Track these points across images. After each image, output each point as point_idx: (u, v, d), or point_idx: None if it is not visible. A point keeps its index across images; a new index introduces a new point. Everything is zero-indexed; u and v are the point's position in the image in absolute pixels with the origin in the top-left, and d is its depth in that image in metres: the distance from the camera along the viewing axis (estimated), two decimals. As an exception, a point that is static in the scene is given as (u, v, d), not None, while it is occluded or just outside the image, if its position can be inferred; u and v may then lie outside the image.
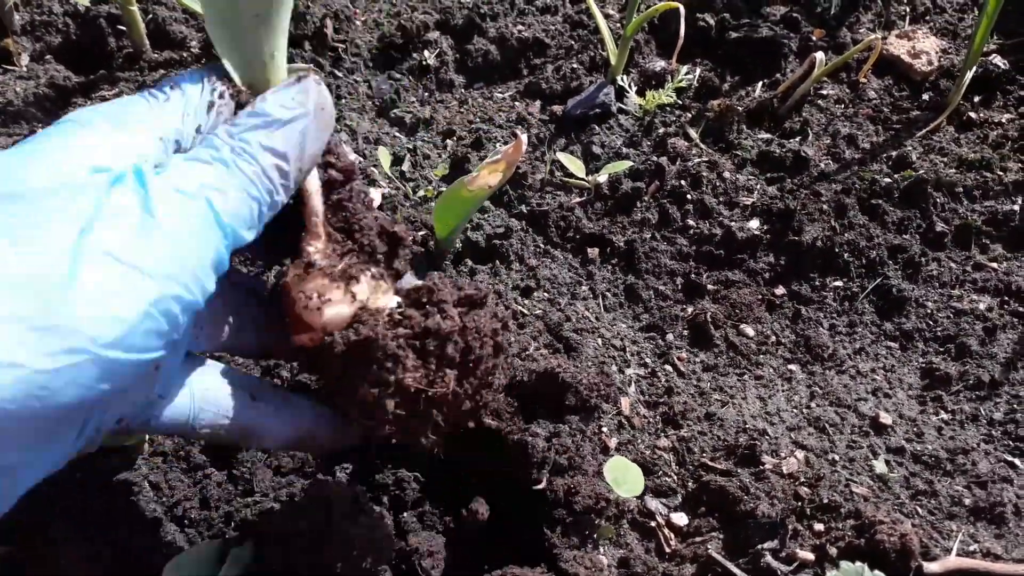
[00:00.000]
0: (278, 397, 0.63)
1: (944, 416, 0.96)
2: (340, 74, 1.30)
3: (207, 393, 0.58)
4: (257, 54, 0.54)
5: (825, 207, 1.11)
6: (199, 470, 0.87)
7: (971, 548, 0.83)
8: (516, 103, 1.32)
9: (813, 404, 0.97)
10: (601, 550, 0.84)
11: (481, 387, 0.63)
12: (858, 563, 0.75)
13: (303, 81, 0.53)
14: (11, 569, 0.74)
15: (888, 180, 1.14)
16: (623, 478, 0.83)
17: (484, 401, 0.65)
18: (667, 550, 0.84)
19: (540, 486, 0.83)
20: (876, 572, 0.75)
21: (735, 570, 0.81)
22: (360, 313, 0.58)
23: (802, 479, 0.88)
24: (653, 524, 0.85)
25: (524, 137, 1.16)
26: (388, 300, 0.61)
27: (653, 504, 0.86)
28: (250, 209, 0.49)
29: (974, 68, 1.26)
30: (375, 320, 0.58)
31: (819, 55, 1.26)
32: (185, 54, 1.31)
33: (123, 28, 1.30)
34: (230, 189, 0.48)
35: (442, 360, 0.59)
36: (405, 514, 0.87)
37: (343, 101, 1.27)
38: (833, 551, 0.81)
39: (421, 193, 1.16)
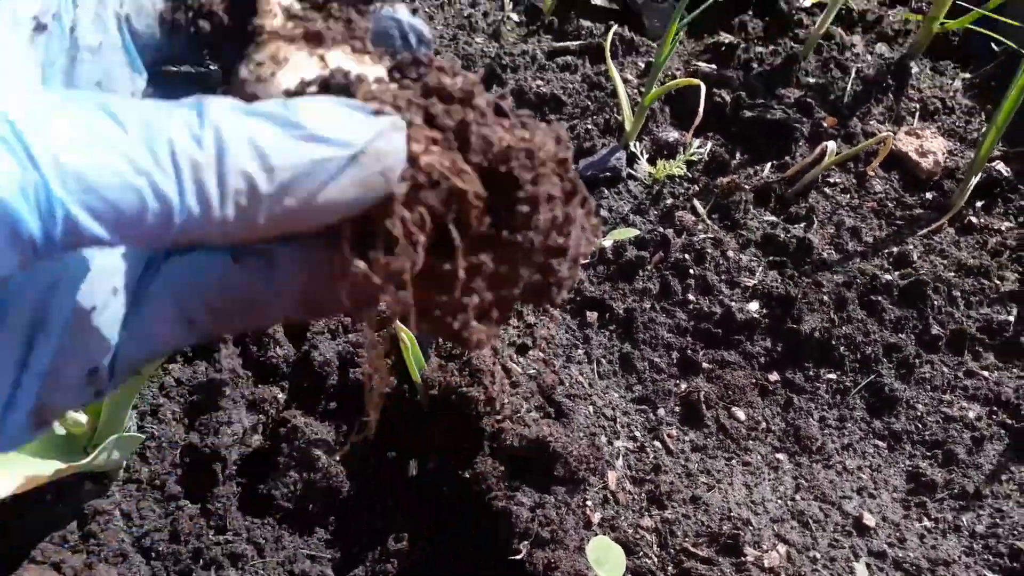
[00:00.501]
0: (263, 252, 0.42)
1: (927, 523, 0.96)
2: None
3: (176, 276, 0.41)
4: None
5: (825, 298, 1.11)
6: (172, 501, 0.85)
7: (946, 664, 0.82)
8: (527, 156, 1.32)
9: (798, 497, 0.97)
10: (575, 628, 0.82)
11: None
12: (836, 673, 0.74)
13: (385, 117, 0.33)
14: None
15: (888, 277, 1.15)
16: (605, 558, 0.81)
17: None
18: (641, 635, 0.83)
19: (519, 557, 0.82)
20: None
21: (709, 664, 0.80)
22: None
23: (783, 575, 0.87)
24: (629, 606, 0.84)
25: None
26: (376, 70, 0.39)
27: (631, 585, 0.85)
28: (124, 186, 0.28)
29: (979, 174, 1.28)
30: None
31: (831, 144, 1.28)
32: None
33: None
34: (104, 142, 0.29)
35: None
36: (374, 552, 0.85)
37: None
38: (809, 654, 0.80)
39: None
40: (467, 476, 0.87)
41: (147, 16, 0.37)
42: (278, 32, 0.38)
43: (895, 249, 1.21)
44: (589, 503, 0.90)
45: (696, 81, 1.20)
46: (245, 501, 0.87)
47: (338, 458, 0.89)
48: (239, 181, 0.29)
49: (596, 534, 0.86)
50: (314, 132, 0.30)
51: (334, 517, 0.88)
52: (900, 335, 1.11)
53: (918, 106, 1.49)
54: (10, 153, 0.27)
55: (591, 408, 1.00)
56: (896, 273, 1.17)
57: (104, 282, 0.38)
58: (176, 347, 0.40)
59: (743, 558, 0.87)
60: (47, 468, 0.66)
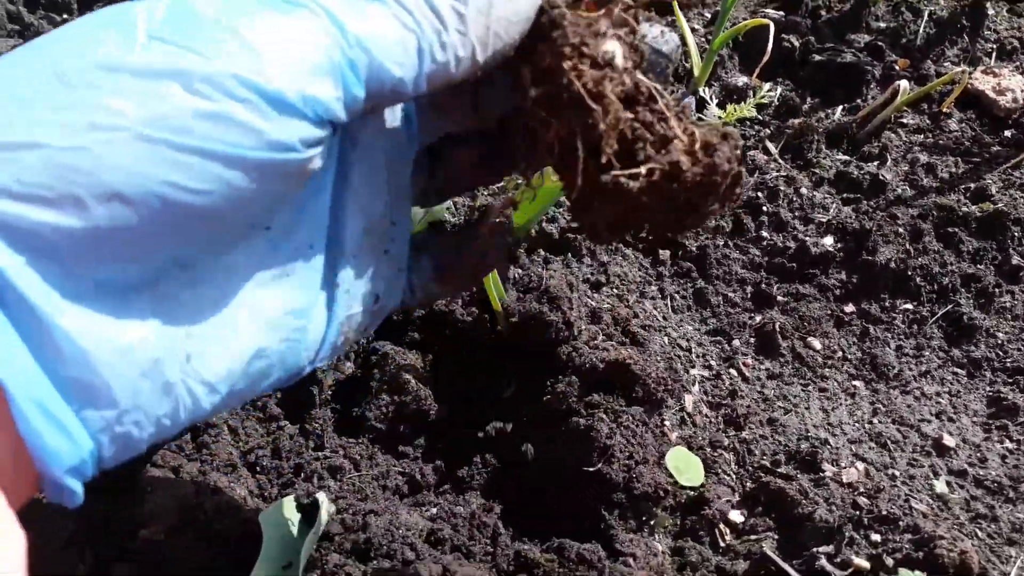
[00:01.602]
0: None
1: (1009, 445, 0.96)
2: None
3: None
4: None
5: (901, 230, 1.12)
6: (273, 421, 0.90)
7: (1029, 574, 0.82)
8: (598, 106, 1.34)
9: (875, 420, 0.98)
10: (656, 537, 0.85)
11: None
12: (918, 572, 0.75)
13: None
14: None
15: (966, 210, 1.15)
16: (685, 468, 0.84)
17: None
18: (721, 544, 0.85)
19: (602, 470, 0.85)
20: (935, 583, 0.75)
21: (789, 570, 0.82)
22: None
23: (861, 489, 0.88)
24: (709, 518, 0.86)
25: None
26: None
27: (710, 499, 0.87)
28: (401, 39, 0.37)
29: (1060, 108, 1.26)
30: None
31: (904, 83, 1.27)
32: None
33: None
34: (370, 7, 0.37)
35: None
36: (463, 471, 0.90)
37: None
38: (889, 561, 0.81)
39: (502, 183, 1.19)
40: (547, 397, 0.91)
41: None
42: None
43: (972, 185, 1.21)
44: (667, 423, 0.93)
45: (765, 21, 1.21)
46: (340, 423, 0.93)
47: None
48: (449, 11, 0.38)
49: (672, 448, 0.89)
50: None
51: (423, 438, 0.93)
52: (979, 266, 1.11)
53: (995, 47, 1.47)
54: (315, 13, 0.35)
55: (666, 339, 1.03)
56: (975, 207, 1.16)
57: (380, 209, 0.47)
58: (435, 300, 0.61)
59: (821, 474, 0.89)
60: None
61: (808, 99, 1.37)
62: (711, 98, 1.31)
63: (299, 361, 0.44)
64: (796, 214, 1.16)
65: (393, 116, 0.48)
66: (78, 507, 0.35)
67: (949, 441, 0.95)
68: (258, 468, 0.88)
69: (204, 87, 0.32)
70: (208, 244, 0.38)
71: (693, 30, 1.43)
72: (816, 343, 1.05)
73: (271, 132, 0.34)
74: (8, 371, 0.31)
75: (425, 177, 0.54)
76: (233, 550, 0.78)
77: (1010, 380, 1.02)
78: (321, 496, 0.78)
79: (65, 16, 1.37)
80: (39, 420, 0.32)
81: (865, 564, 0.82)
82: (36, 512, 0.72)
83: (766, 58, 1.23)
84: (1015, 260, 1.10)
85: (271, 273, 0.42)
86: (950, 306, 1.08)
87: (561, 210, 1.14)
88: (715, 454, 0.92)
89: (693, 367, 1.01)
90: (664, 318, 1.06)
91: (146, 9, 0.34)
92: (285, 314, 0.42)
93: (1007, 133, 1.30)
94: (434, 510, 0.87)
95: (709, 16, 1.49)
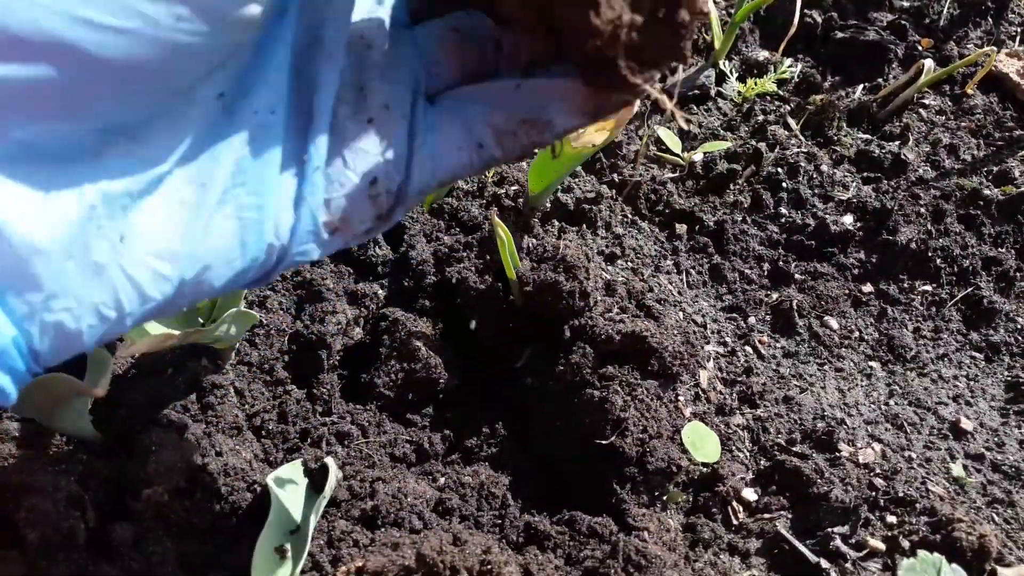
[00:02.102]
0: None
1: (1027, 430, 0.94)
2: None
3: (463, 103, 0.44)
4: None
5: (922, 210, 1.09)
6: (280, 385, 0.88)
7: (1047, 560, 0.81)
8: (614, 77, 1.31)
9: (892, 402, 0.96)
10: (668, 513, 0.84)
11: None
12: (936, 554, 0.74)
13: None
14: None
15: (988, 193, 1.12)
16: (701, 443, 0.83)
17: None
18: (734, 522, 0.84)
19: (615, 443, 0.83)
20: (954, 566, 0.73)
21: (803, 549, 0.81)
22: None
23: (877, 471, 0.87)
24: (722, 495, 0.85)
25: (636, 101, 1.16)
26: None
27: (724, 475, 0.86)
28: None
29: (1086, 93, 1.23)
30: None
31: (928, 62, 1.24)
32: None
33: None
34: None
35: None
36: (472, 440, 0.88)
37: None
38: (906, 543, 0.80)
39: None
40: (561, 368, 0.89)
41: None
42: None
43: (995, 168, 1.18)
44: (681, 399, 0.91)
45: (790, -8, 1.18)
46: (348, 389, 0.91)
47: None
48: None
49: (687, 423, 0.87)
50: None
51: (432, 407, 0.91)
52: (1000, 249, 1.09)
53: (1019, 29, 1.44)
54: None
55: (680, 314, 1.01)
56: (996, 189, 1.14)
57: (372, 100, 0.40)
58: (465, 173, 0.44)
59: (837, 453, 0.87)
60: (176, 330, 0.70)
61: (829, 76, 1.34)
62: (731, 72, 1.29)
63: (262, 245, 0.38)
64: (816, 191, 1.13)
65: None
66: (11, 404, 0.32)
67: (966, 425, 0.93)
68: (263, 432, 0.86)
69: None
70: (147, 107, 0.34)
71: (715, 2, 1.39)
72: (833, 322, 1.03)
73: None
74: None
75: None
76: (237, 513, 0.76)
77: (1029, 365, 1.01)
78: (329, 461, 0.77)
79: None
80: None
81: (881, 545, 0.80)
82: (37, 470, 0.70)
83: (792, 31, 1.20)
84: (1037, 244, 1.08)
85: (223, 141, 0.36)
86: (970, 289, 1.06)
87: (577, 180, 1.12)
88: (729, 431, 0.90)
89: (708, 343, 0.99)
90: (679, 293, 1.04)
91: None
92: (237, 185, 0.36)
93: (1030, 117, 1.28)
94: (442, 480, 0.85)
95: (730, -11, 1.46)
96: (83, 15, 0.28)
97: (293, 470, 0.76)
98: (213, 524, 0.74)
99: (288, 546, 0.67)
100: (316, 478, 0.79)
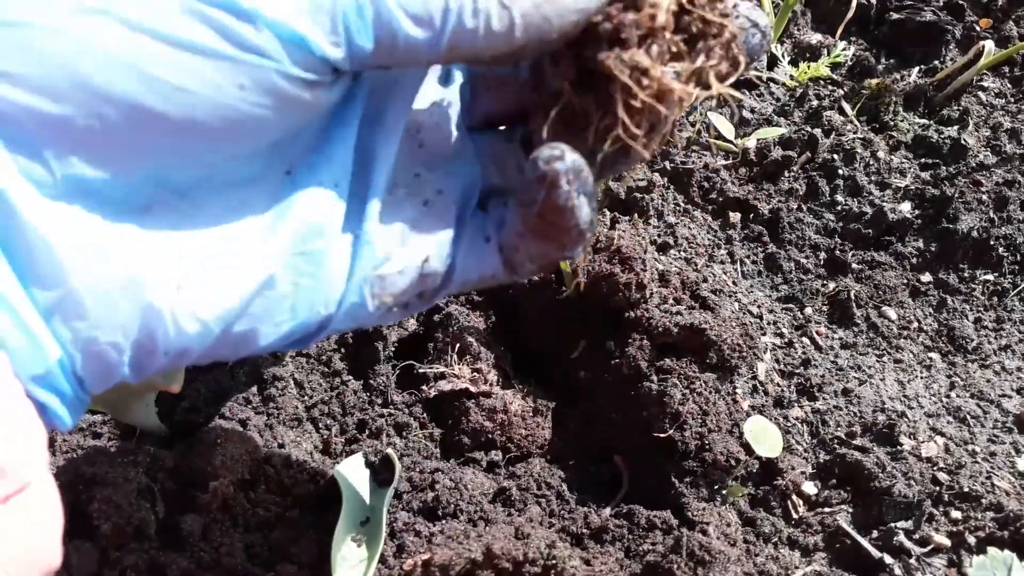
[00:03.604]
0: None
1: (1095, 424, 0.92)
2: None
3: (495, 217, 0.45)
4: None
5: (984, 197, 1.07)
6: (337, 376, 0.89)
7: (1118, 558, 0.79)
8: (663, 62, 1.30)
9: (953, 394, 0.94)
10: (727, 507, 0.83)
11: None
12: (1007, 551, 0.73)
13: None
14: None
15: (1052, 178, 1.10)
16: (763, 437, 0.82)
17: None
18: (795, 516, 0.83)
19: (674, 436, 0.83)
20: (1025, 564, 0.72)
21: (866, 544, 0.80)
22: None
23: (941, 465, 0.85)
24: (781, 489, 0.84)
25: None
26: None
27: (783, 469, 0.85)
28: None
29: None
30: None
31: (988, 43, 1.21)
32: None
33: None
34: None
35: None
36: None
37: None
38: (971, 539, 0.79)
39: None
40: (617, 361, 0.89)
41: None
42: None
43: (1058, 152, 1.15)
44: (739, 391, 0.90)
45: (847, -25, 1.15)
46: (402, 381, 0.91)
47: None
48: None
49: (747, 419, 0.86)
50: None
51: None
52: (1065, 237, 1.06)
53: (1082, 7, 1.39)
54: None
55: (736, 305, 1.00)
56: (1060, 175, 1.11)
57: (426, 185, 0.43)
58: (496, 281, 0.46)
59: (899, 447, 0.86)
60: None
61: (883, 59, 1.31)
62: (783, 56, 1.27)
63: (313, 314, 0.39)
64: (872, 179, 1.11)
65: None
66: (68, 430, 0.34)
67: (1032, 418, 0.91)
68: (322, 424, 0.87)
69: None
70: (201, 169, 0.36)
71: (764, -16, 1.37)
72: (891, 312, 1.01)
73: (259, 42, 0.32)
74: None
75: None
76: (300, 504, 0.77)
77: (1096, 357, 0.98)
78: (391, 452, 0.77)
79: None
80: (3, 318, 0.30)
81: (946, 541, 0.79)
82: (107, 462, 0.71)
83: (849, 15, 1.18)
84: (1104, 232, 1.05)
85: (287, 211, 0.38)
86: (1034, 278, 1.03)
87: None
88: (788, 424, 0.89)
89: (764, 334, 0.98)
90: (734, 283, 1.02)
91: None
92: (296, 254, 0.38)
93: (1095, 99, 1.24)
94: (500, 471, 0.86)
95: (780, -30, 1.43)
96: (152, 72, 0.31)
97: (356, 462, 0.76)
98: (278, 515, 0.75)
99: (364, 537, 0.68)
100: (377, 469, 0.80)
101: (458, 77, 0.47)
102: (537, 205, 0.39)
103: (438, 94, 0.46)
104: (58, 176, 0.31)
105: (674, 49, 0.38)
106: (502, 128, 0.49)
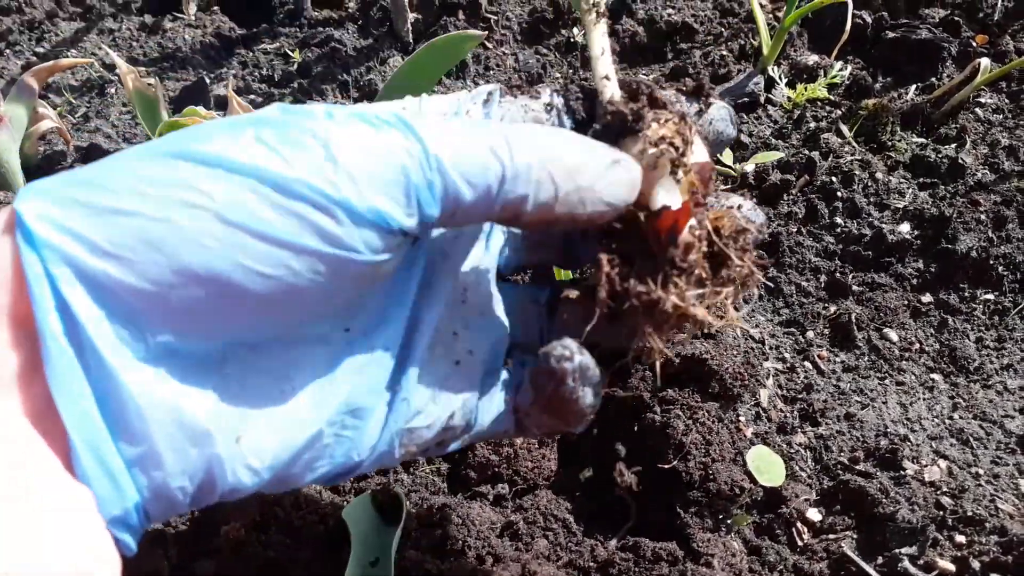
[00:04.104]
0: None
1: (1098, 443, 0.92)
2: (490, 46, 1.32)
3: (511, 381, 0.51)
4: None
5: (983, 216, 1.08)
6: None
7: (1122, 580, 0.80)
8: (661, 87, 1.31)
9: (956, 416, 0.95)
10: (732, 536, 0.84)
11: None
12: (1009, 579, 0.73)
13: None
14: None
15: (1051, 195, 1.10)
16: (765, 467, 0.83)
17: None
18: (799, 543, 0.84)
19: (677, 467, 0.84)
20: (1028, 590, 0.73)
21: (870, 571, 0.80)
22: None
23: (944, 489, 0.86)
24: (786, 516, 0.85)
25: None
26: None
27: (787, 497, 0.86)
28: (482, 159, 0.39)
29: None
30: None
31: (985, 61, 1.22)
32: (343, 14, 1.34)
33: (286, -15, 1.35)
34: (465, 131, 0.40)
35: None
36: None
37: (491, 72, 1.29)
38: (976, 564, 0.79)
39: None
40: (620, 392, 0.90)
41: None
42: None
43: (1056, 168, 1.16)
44: (742, 419, 0.91)
45: (841, -2, 1.16)
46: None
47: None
48: (547, 154, 0.40)
49: (751, 446, 0.87)
50: (589, 144, 0.42)
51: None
52: (1064, 254, 1.06)
53: (1078, 20, 1.40)
54: (404, 135, 0.38)
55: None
56: (1058, 192, 1.12)
57: (448, 318, 0.48)
58: (504, 437, 0.54)
59: (902, 472, 0.87)
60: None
61: (880, 78, 1.32)
62: (780, 77, 1.28)
63: (348, 460, 0.44)
64: (871, 200, 1.12)
65: (478, 228, 0.50)
66: (134, 554, 0.37)
67: (1035, 439, 0.92)
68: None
69: (285, 186, 0.36)
70: (274, 330, 0.40)
71: (761, 6, 1.38)
72: (893, 335, 1.02)
73: (339, 234, 0.37)
74: (72, 414, 0.34)
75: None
76: (312, 544, 0.78)
77: (1098, 375, 0.99)
78: (398, 491, 0.78)
79: (125, -2, 1.37)
80: (91, 465, 0.34)
81: (951, 567, 0.80)
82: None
83: (845, 36, 1.19)
84: (1103, 248, 1.06)
85: (342, 370, 0.43)
86: (1034, 297, 1.04)
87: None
88: (791, 451, 0.90)
89: (767, 360, 0.99)
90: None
91: (264, 116, 0.38)
92: (345, 412, 0.42)
93: (1092, 112, 1.24)
94: (507, 504, 0.87)
95: (776, -9, 1.45)
96: (242, 262, 0.36)
97: (363, 502, 0.78)
98: (289, 557, 0.76)
99: (369, 581, 0.69)
100: (385, 507, 0.81)
101: (498, 236, 0.52)
102: (546, 392, 0.44)
103: (482, 255, 0.51)
104: (150, 344, 0.36)
105: (699, 276, 0.44)
106: (529, 283, 0.55)
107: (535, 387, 0.45)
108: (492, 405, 0.49)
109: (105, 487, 0.35)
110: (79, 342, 0.34)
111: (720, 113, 0.50)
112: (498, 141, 0.39)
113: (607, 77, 0.47)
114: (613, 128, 0.45)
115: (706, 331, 0.47)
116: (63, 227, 0.34)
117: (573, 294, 0.44)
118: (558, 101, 0.48)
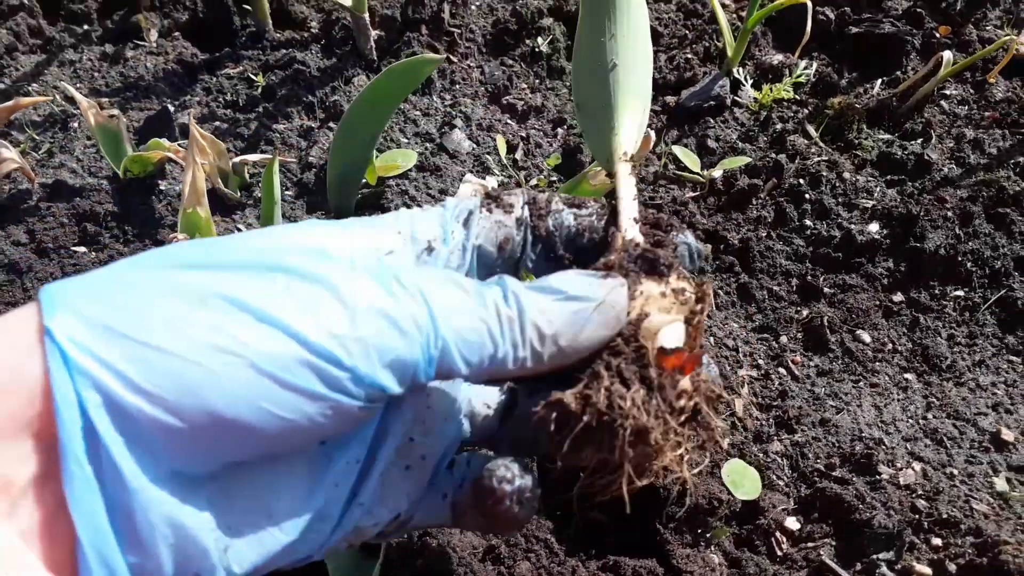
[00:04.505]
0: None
1: (1070, 436, 0.94)
2: (455, 59, 1.31)
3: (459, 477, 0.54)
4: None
5: (949, 214, 1.08)
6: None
7: (1097, 574, 0.81)
8: (628, 93, 1.31)
9: (930, 415, 0.96)
10: (712, 549, 0.85)
11: None
12: (983, 583, 0.74)
13: (610, 279, 0.46)
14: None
15: (1016, 188, 1.11)
16: (741, 480, 0.83)
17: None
18: (778, 553, 0.85)
19: (653, 481, 0.84)
20: (1002, 593, 0.74)
21: (850, 579, 0.81)
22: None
23: (919, 491, 0.87)
24: (764, 527, 0.85)
25: (652, 133, 1.16)
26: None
27: (765, 507, 0.86)
28: (481, 344, 0.43)
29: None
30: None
31: (947, 54, 1.22)
32: (306, 34, 1.34)
33: (247, 7, 1.34)
34: (469, 311, 0.43)
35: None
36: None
37: (457, 87, 1.29)
38: (952, 567, 0.80)
39: (534, 182, 1.17)
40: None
41: (492, 243, 0.51)
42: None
43: (1022, 159, 1.16)
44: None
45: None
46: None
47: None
48: (533, 331, 0.43)
49: (727, 459, 0.88)
50: (570, 294, 0.44)
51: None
52: (1031, 247, 1.07)
53: (1040, 6, 1.41)
54: (419, 306, 0.42)
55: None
56: (1024, 183, 1.13)
57: (414, 451, 0.51)
58: (442, 526, 0.56)
59: (878, 476, 0.88)
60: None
61: (846, 73, 1.33)
62: (745, 78, 1.28)
63: (305, 557, 0.47)
64: (839, 200, 1.13)
65: None
66: None
67: (1007, 435, 0.93)
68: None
69: (307, 342, 0.39)
70: (272, 452, 0.43)
71: (724, 6, 1.38)
72: (865, 336, 1.03)
73: (349, 386, 0.41)
74: (84, 522, 0.37)
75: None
76: (292, 581, 0.78)
77: (1068, 367, 1.00)
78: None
79: (85, 27, 1.35)
80: (99, 572, 0.37)
81: (927, 570, 0.81)
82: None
83: (807, 36, 1.19)
84: (1070, 239, 1.07)
85: (320, 485, 0.46)
86: (1003, 291, 1.05)
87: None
88: (768, 459, 0.90)
89: (741, 367, 0.99)
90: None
91: (297, 271, 0.41)
92: (318, 519, 0.46)
93: (1055, 100, 1.25)
94: (487, 528, 0.87)
95: (739, -10, 1.45)
96: (265, 406, 0.39)
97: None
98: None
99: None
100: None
101: None
102: (484, 504, 0.47)
103: None
104: (161, 468, 0.39)
105: (679, 422, 0.46)
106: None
107: (474, 494, 0.48)
108: (433, 501, 0.52)
109: None
110: (99, 461, 0.37)
111: (681, 249, 0.53)
112: (493, 322, 0.43)
113: (635, 219, 0.52)
114: (636, 266, 0.48)
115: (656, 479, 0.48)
116: (98, 357, 0.37)
117: (568, 399, 0.44)
118: (526, 216, 0.51)
